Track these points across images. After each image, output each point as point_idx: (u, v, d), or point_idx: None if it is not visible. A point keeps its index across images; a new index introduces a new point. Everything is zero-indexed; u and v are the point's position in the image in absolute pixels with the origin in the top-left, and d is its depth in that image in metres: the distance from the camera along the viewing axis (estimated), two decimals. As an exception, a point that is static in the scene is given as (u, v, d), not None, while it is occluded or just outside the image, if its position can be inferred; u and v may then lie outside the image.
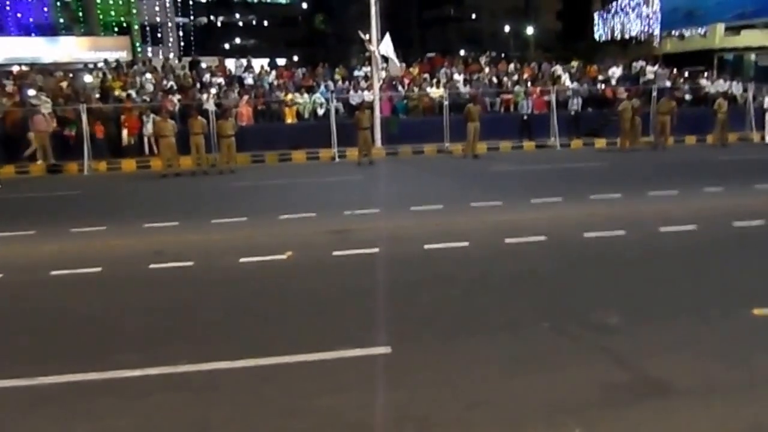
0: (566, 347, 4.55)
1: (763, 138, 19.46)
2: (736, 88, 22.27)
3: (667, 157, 16.36)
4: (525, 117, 19.69)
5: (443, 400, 3.81)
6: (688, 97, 21.97)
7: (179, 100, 18.28)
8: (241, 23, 51.43)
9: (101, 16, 36.71)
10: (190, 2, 45.57)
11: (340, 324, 5.13)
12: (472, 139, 16.97)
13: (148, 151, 17.41)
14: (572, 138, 19.51)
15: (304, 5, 54.53)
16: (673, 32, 34.20)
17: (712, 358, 4.27)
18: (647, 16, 35.53)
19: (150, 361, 4.42)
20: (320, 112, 19.50)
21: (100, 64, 22.92)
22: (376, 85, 18.79)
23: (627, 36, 37.77)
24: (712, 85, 22.60)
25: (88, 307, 5.80)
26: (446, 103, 18.81)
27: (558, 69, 23.29)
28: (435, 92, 20.62)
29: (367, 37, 18.60)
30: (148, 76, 20.53)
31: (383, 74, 20.07)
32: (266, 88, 20.45)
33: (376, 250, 7.33)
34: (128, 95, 18.56)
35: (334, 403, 3.81)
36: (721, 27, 31.31)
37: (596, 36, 41.77)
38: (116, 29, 37.17)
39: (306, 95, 19.96)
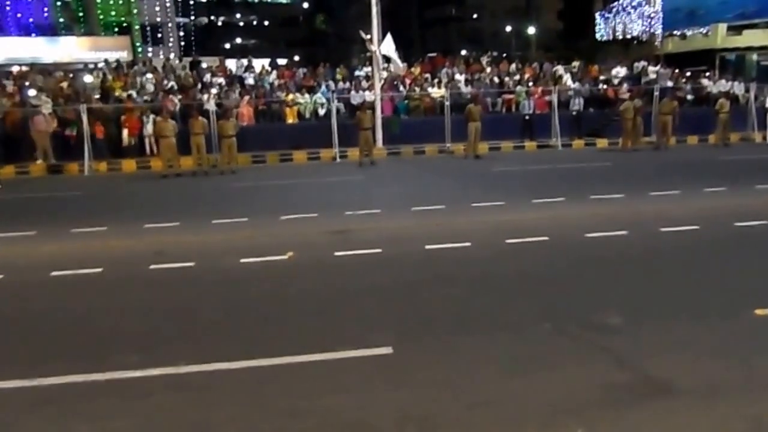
0: (567, 347, 4.54)
1: (764, 138, 19.45)
2: (738, 88, 22.27)
3: (669, 157, 16.35)
4: (526, 117, 19.71)
5: (444, 400, 3.81)
6: (689, 97, 21.97)
7: (180, 100, 18.28)
8: (241, 23, 51.42)
9: (101, 16, 36.68)
10: (191, 2, 45.57)
11: (342, 324, 5.12)
12: (473, 139, 16.97)
13: (148, 152, 17.42)
14: (574, 138, 19.51)
15: (305, 5, 54.54)
16: (674, 32, 34.19)
17: (713, 358, 4.26)
18: (649, 15, 35.55)
19: (150, 361, 4.42)
20: (321, 112, 19.50)
21: (101, 64, 22.92)
22: (378, 85, 18.80)
23: (629, 36, 37.78)
24: (713, 85, 22.59)
25: (88, 308, 5.80)
26: (447, 103, 18.82)
27: (559, 69, 23.30)
28: (436, 92, 20.62)
29: (368, 36, 18.60)
30: (149, 76, 20.53)
31: (384, 74, 20.07)
32: (267, 88, 20.46)
33: (377, 250, 7.32)
34: (129, 95, 18.56)
35: (335, 404, 3.80)
36: (723, 27, 31.31)
37: (598, 36, 41.80)
38: (116, 29, 37.12)
39: (307, 95, 19.97)
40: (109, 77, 20.24)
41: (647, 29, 35.78)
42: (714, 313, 5.12)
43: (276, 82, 20.97)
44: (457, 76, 21.80)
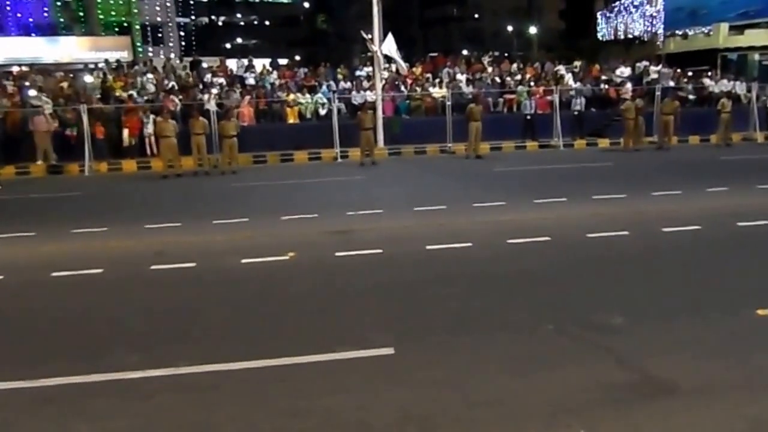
0: (568, 347, 4.54)
1: (766, 138, 19.41)
2: (740, 87, 22.21)
3: (671, 157, 16.33)
4: (528, 117, 19.67)
5: (445, 400, 3.80)
6: (691, 96, 21.90)
7: (180, 101, 18.27)
8: (242, 23, 51.48)
9: (102, 16, 36.67)
10: (191, 2, 45.61)
11: (343, 325, 5.11)
12: (473, 139, 16.95)
13: (149, 152, 17.40)
14: (575, 138, 19.47)
15: (306, 5, 54.52)
16: (676, 32, 34.14)
17: (713, 358, 4.25)
18: (650, 15, 35.50)
19: (151, 362, 4.41)
20: (322, 112, 19.46)
21: (101, 65, 22.92)
22: (379, 85, 18.77)
23: (630, 35, 37.73)
24: (715, 84, 22.53)
25: (88, 308, 5.79)
26: (449, 103, 18.79)
27: (561, 69, 23.26)
28: (437, 92, 20.59)
29: (369, 36, 18.58)
30: (149, 76, 20.52)
31: (385, 74, 20.04)
32: (268, 88, 20.43)
33: (378, 250, 7.31)
34: (129, 95, 18.55)
35: (336, 404, 3.80)
36: (724, 26, 31.23)
37: (599, 35, 41.75)
38: (117, 29, 37.14)
39: (308, 95, 19.93)
40: (110, 77, 20.23)
41: (649, 29, 35.74)
42: (715, 312, 5.11)
43: (277, 82, 20.95)
44: (459, 76, 21.77)
